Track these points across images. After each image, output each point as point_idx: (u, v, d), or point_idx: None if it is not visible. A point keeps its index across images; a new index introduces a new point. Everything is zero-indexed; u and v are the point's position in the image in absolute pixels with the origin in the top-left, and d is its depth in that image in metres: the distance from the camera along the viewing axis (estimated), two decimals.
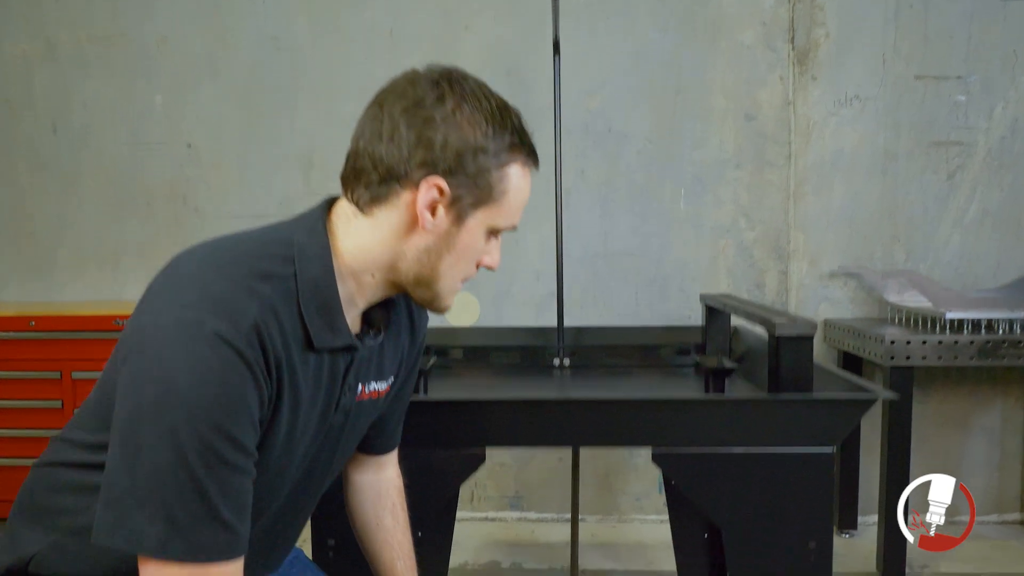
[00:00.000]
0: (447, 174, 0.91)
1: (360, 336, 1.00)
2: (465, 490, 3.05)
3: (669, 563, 2.51)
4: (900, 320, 2.69)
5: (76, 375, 2.75)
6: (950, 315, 2.45)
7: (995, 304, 2.55)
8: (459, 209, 0.94)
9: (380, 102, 0.94)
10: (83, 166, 3.10)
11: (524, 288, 2.98)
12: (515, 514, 3.08)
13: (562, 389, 1.92)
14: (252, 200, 3.05)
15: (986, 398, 2.97)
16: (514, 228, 1.00)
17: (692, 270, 2.96)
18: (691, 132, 2.95)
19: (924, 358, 2.41)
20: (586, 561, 2.64)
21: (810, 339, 1.47)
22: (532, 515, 3.08)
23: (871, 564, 2.60)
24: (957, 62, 2.89)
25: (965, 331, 2.47)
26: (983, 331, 2.47)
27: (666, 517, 2.81)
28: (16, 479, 3.02)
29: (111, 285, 3.13)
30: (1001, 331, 2.46)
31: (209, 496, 0.81)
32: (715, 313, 2.11)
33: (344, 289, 0.95)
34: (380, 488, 1.25)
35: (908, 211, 2.94)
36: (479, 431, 1.35)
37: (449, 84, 0.93)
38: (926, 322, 2.56)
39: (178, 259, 0.92)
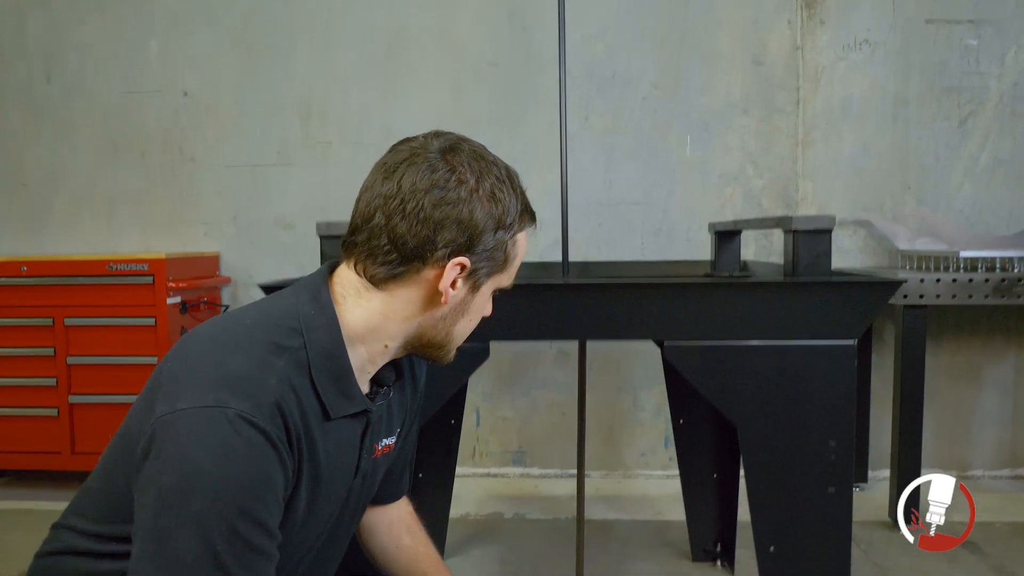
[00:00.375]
0: (469, 251, 0.92)
1: (371, 396, 1.00)
2: (466, 445, 2.98)
3: (676, 514, 2.45)
4: (912, 267, 2.63)
5: (69, 322, 2.68)
6: (965, 254, 2.40)
7: (1010, 244, 2.49)
8: (476, 279, 0.96)
9: (397, 179, 0.91)
10: (76, 115, 3.04)
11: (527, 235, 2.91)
12: (517, 470, 3.01)
13: None
14: (249, 148, 2.99)
15: (999, 350, 2.91)
16: (512, 287, 1.03)
17: (699, 218, 2.89)
18: (697, 77, 2.89)
19: (938, 296, 2.35)
20: (591, 512, 2.58)
21: (828, 232, 1.41)
22: (535, 471, 3.01)
23: (883, 515, 2.54)
24: (968, 5, 2.82)
25: (980, 270, 2.41)
26: (998, 270, 2.41)
27: (672, 472, 2.76)
28: (7, 428, 2.95)
29: (106, 238, 3.07)
30: (1016, 270, 2.40)
31: None
32: (725, 240, 2.05)
33: (355, 356, 0.95)
34: (390, 517, 1.23)
35: (919, 158, 2.88)
36: (480, 323, 1.28)
37: (467, 161, 0.92)
38: (939, 265, 2.50)
39: (186, 340, 0.91)
